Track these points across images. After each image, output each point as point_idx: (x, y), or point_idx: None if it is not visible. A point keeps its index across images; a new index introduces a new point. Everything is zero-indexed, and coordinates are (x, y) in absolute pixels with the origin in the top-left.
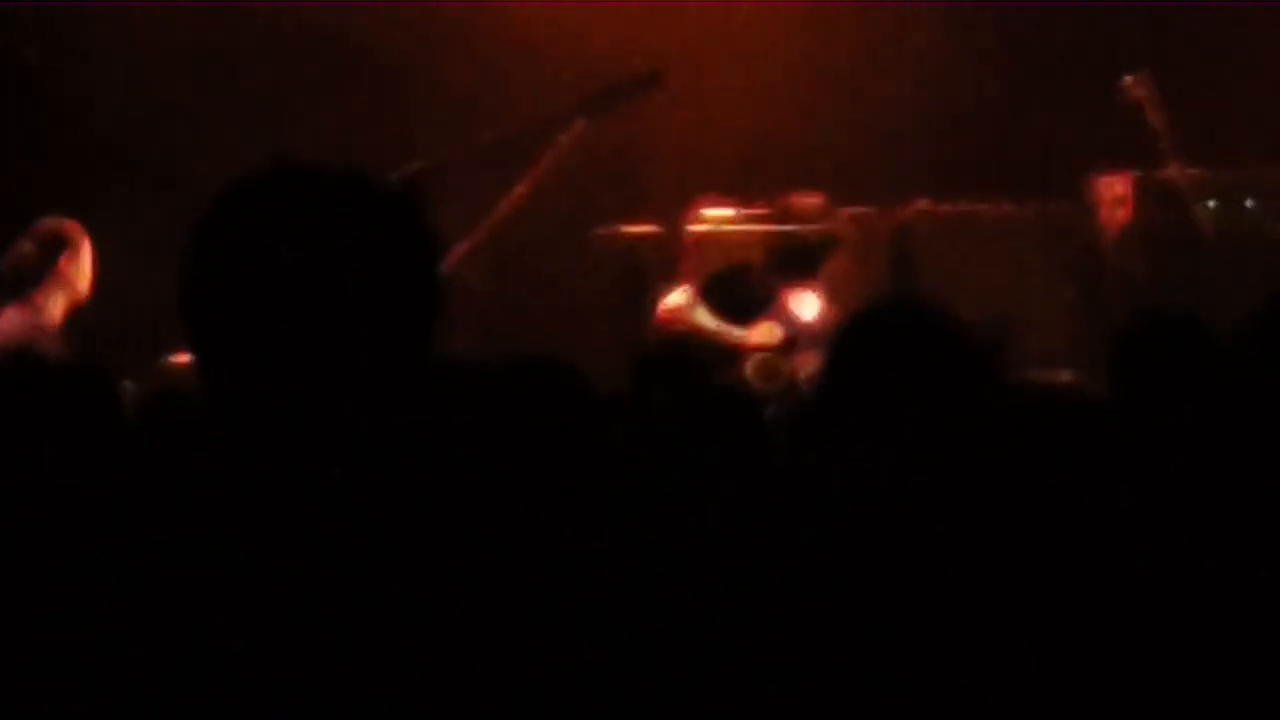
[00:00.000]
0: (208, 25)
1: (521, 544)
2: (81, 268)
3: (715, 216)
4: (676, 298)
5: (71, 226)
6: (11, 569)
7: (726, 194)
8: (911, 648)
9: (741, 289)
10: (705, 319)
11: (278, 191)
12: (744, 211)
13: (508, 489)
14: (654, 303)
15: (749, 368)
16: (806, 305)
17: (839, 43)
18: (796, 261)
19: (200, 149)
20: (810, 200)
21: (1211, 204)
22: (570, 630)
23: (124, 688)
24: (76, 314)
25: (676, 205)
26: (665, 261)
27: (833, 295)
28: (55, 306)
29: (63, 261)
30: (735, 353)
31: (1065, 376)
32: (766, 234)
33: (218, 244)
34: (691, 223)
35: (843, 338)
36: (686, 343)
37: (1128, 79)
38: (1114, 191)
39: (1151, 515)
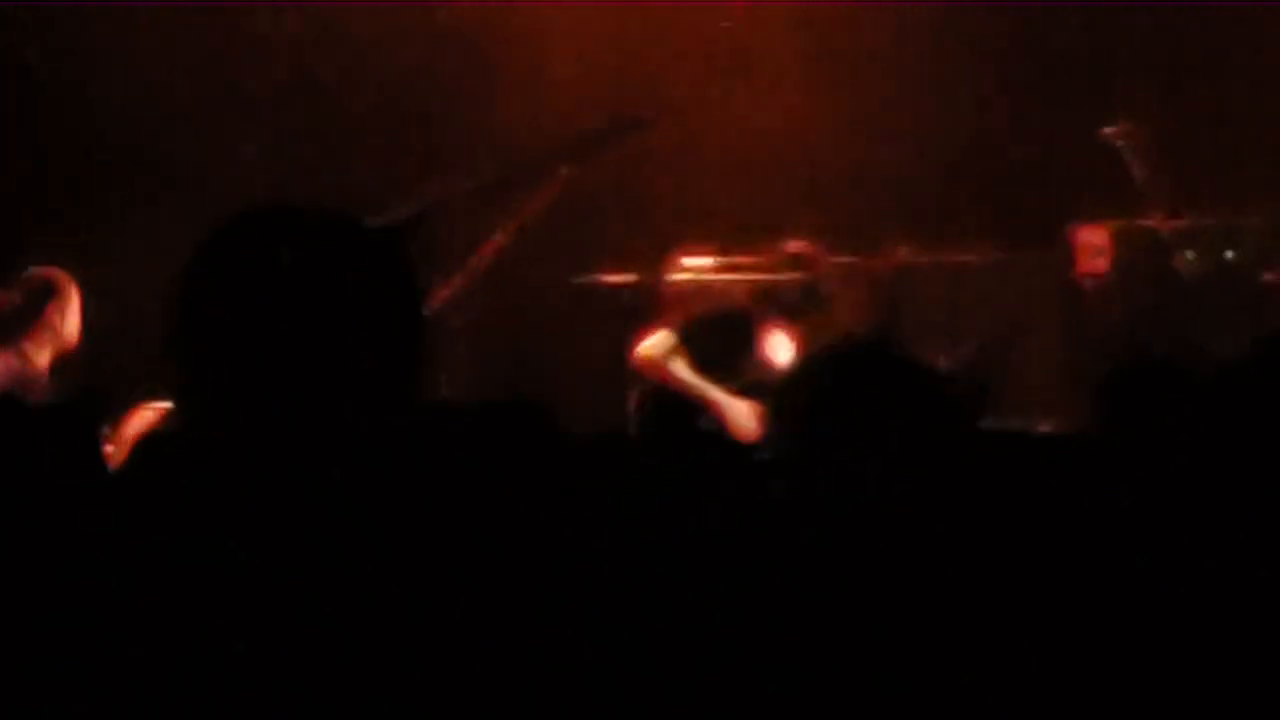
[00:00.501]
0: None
1: (496, 587)
2: (69, 316)
3: (695, 265)
4: (654, 343)
5: (60, 275)
6: None
7: (709, 242)
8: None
9: (722, 336)
10: (682, 369)
11: (260, 236)
12: (724, 260)
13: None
14: (631, 348)
15: (731, 414)
16: (781, 350)
17: (825, 93)
18: (778, 308)
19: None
20: (790, 246)
21: (1190, 254)
22: (547, 668)
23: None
24: (64, 362)
25: (658, 253)
26: (645, 309)
27: (814, 343)
28: (42, 355)
29: (50, 310)
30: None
31: (1045, 427)
32: (751, 281)
33: (201, 288)
34: (672, 271)
35: (784, 387)
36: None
37: (1110, 128)
38: (1093, 241)
39: (1132, 558)
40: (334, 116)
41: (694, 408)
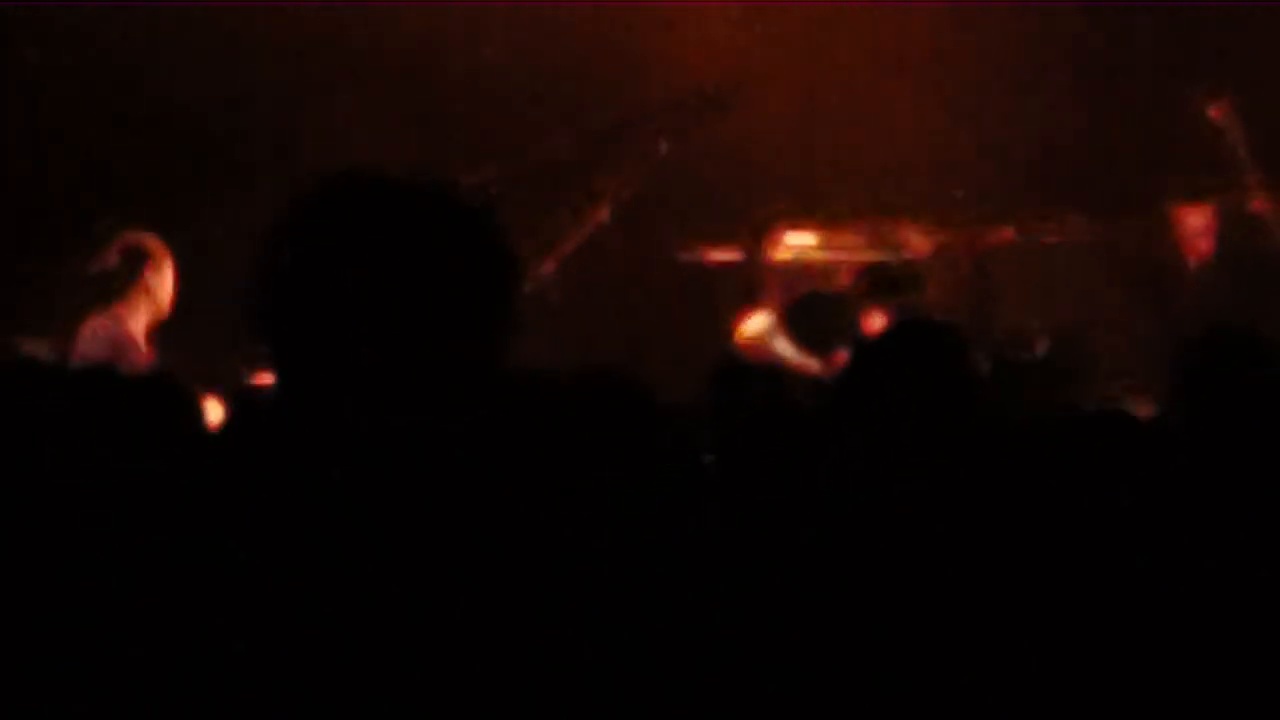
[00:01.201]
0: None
1: (583, 553)
2: (164, 282)
3: (798, 243)
4: (757, 324)
5: (154, 241)
6: (89, 580)
7: (811, 219)
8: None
9: (823, 317)
10: (785, 348)
11: (354, 203)
12: (826, 237)
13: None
14: (733, 327)
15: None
16: (878, 326)
17: (923, 75)
18: (876, 287)
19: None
20: (888, 224)
21: None
22: (634, 637)
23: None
24: (158, 327)
25: (761, 230)
26: (746, 286)
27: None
28: (138, 319)
29: (147, 274)
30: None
31: (1140, 406)
32: (850, 260)
33: (291, 255)
34: (774, 248)
35: (853, 363)
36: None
37: (1211, 105)
38: (1197, 221)
39: (1210, 534)
40: (430, 86)
41: (784, 384)
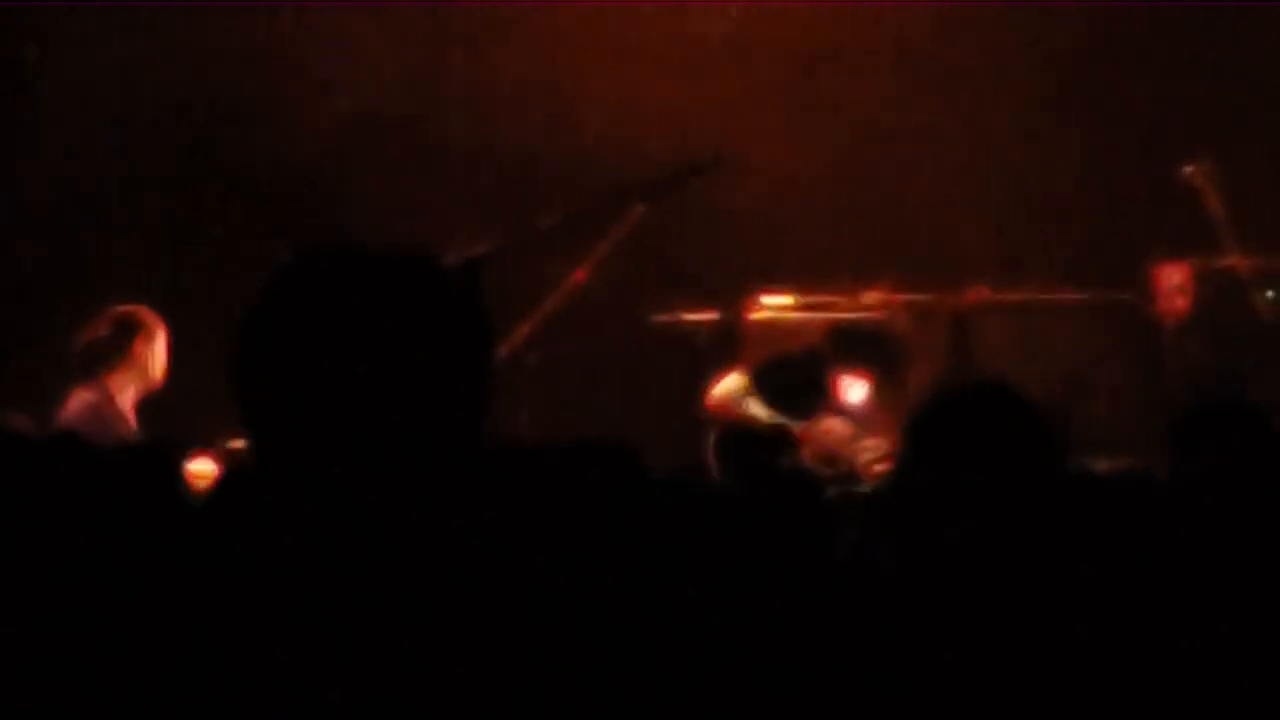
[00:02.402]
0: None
1: (574, 623)
2: (155, 353)
3: (774, 304)
4: (728, 385)
5: (146, 312)
6: (72, 649)
7: (788, 281)
8: None
9: (794, 376)
10: (757, 409)
11: (333, 274)
12: (803, 299)
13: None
14: (707, 390)
15: (809, 452)
16: (854, 390)
17: (899, 132)
18: (851, 348)
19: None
20: (866, 285)
21: (1271, 293)
22: (625, 704)
23: None
24: (148, 399)
25: (736, 292)
26: (724, 348)
27: (886, 383)
28: (126, 392)
29: (137, 345)
30: (790, 441)
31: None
32: (825, 321)
33: (272, 325)
34: (751, 310)
35: (920, 422)
36: (749, 428)
37: (1187, 167)
38: (1174, 280)
39: (1209, 597)
40: (408, 152)
41: (772, 447)
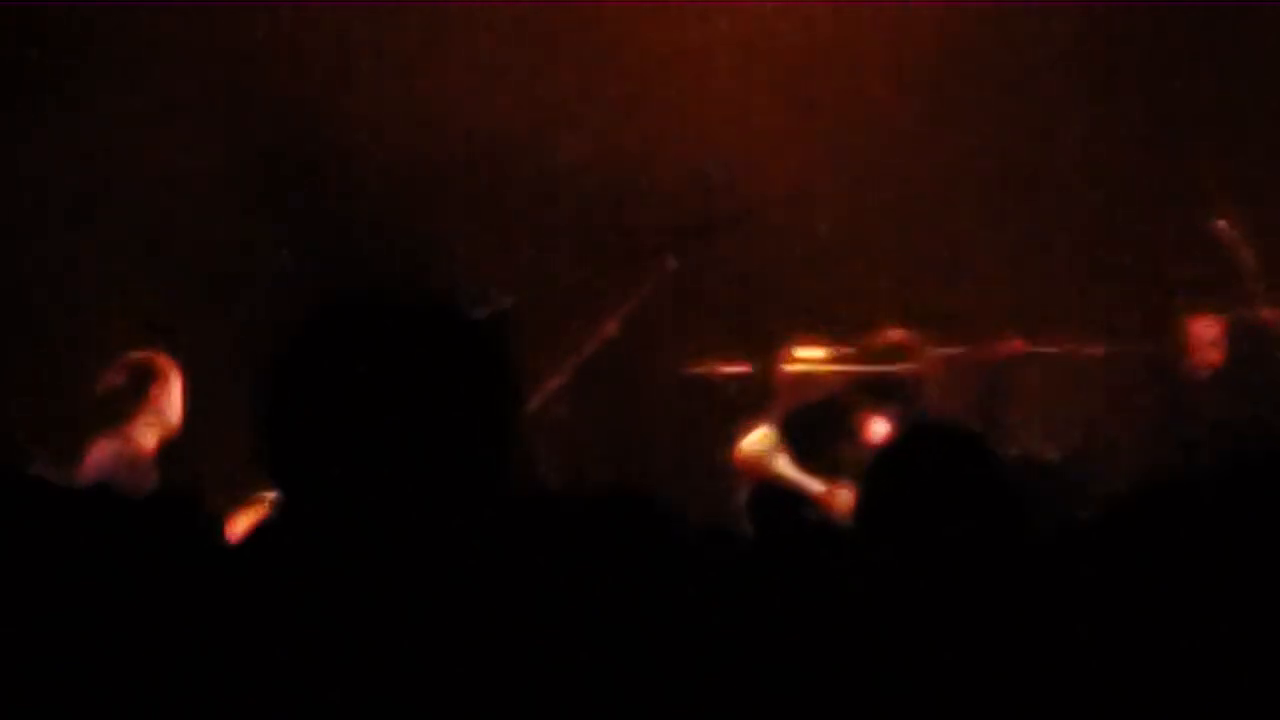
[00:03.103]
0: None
1: (601, 674)
2: (172, 399)
3: (808, 356)
4: (755, 441)
5: (160, 358)
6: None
7: (820, 333)
8: None
9: (823, 428)
10: (784, 467)
11: (357, 324)
12: (837, 351)
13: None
14: (734, 443)
15: (837, 504)
16: (878, 428)
17: (933, 183)
18: (880, 398)
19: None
20: (897, 335)
21: None
22: None
23: None
24: (169, 445)
25: (770, 344)
26: (756, 400)
27: None
28: (148, 438)
29: (153, 392)
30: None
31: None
32: (854, 372)
33: (298, 374)
34: (784, 362)
35: (874, 468)
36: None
37: (1219, 221)
38: (1207, 333)
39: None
40: (436, 201)
41: (801, 501)
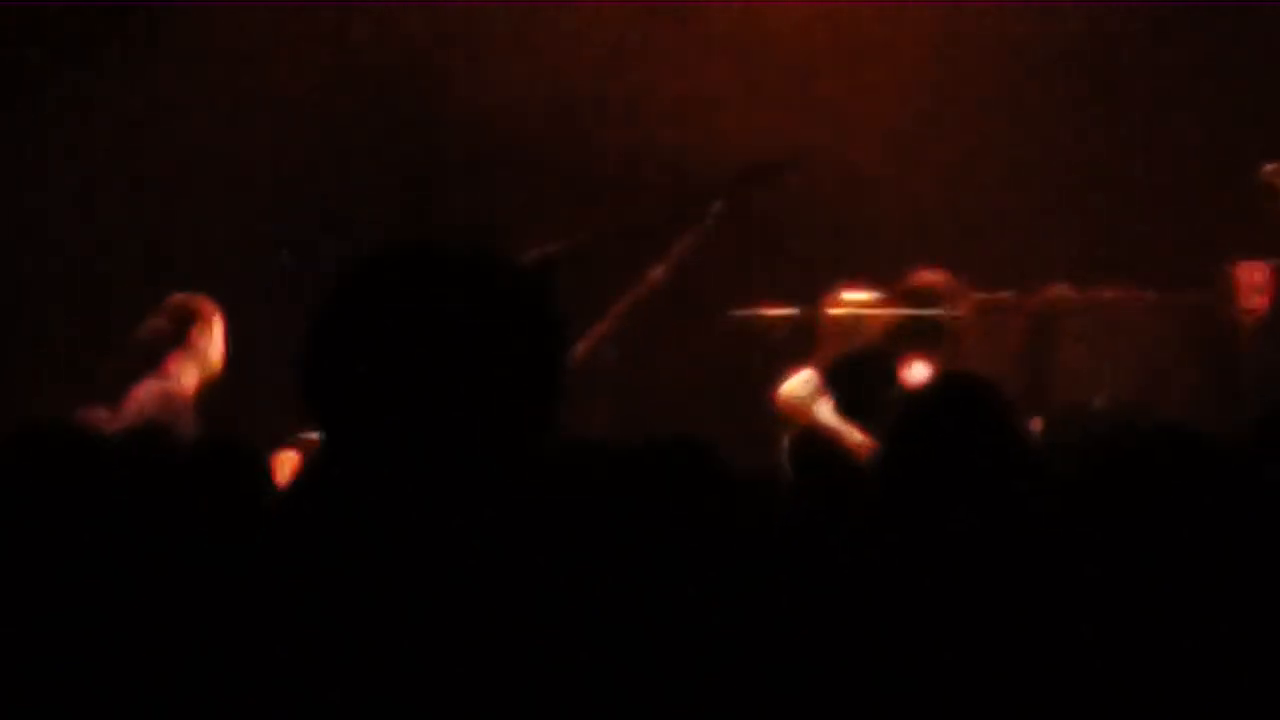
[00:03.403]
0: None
1: (654, 625)
2: (213, 341)
3: (853, 300)
4: (796, 385)
5: (202, 301)
6: (157, 649)
7: (866, 276)
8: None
9: (864, 373)
10: (826, 413)
11: (405, 272)
12: (882, 295)
13: (640, 568)
14: (776, 387)
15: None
16: (917, 371)
17: (986, 131)
18: (917, 339)
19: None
20: (932, 278)
21: None
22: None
23: None
24: (209, 388)
25: (816, 288)
26: (802, 344)
27: None
28: (188, 376)
29: (194, 333)
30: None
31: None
32: (897, 317)
33: (345, 321)
34: (830, 306)
35: (898, 421)
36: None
37: (1267, 167)
38: (1253, 279)
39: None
40: (483, 151)
41: (840, 449)
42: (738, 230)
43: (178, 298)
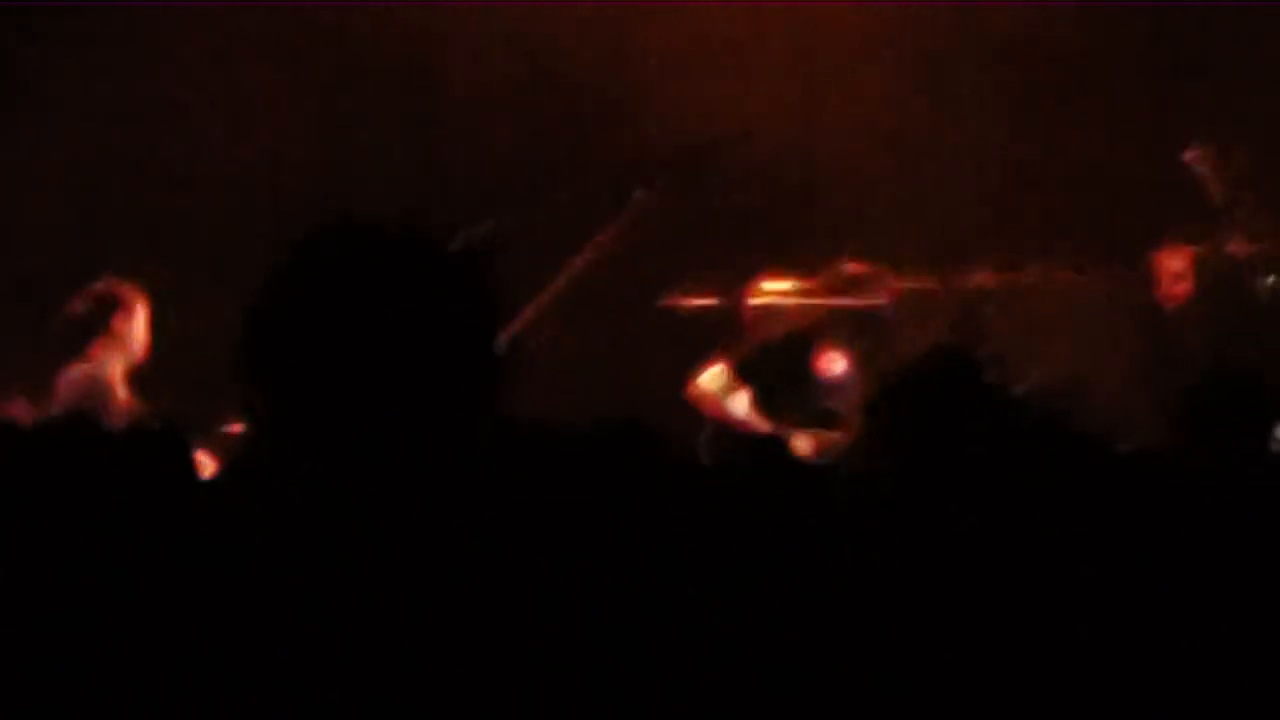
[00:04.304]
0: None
1: (594, 608)
2: (135, 328)
3: (774, 289)
4: (709, 378)
5: (124, 288)
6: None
7: (789, 264)
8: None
9: (777, 363)
10: (737, 405)
11: (340, 251)
12: (803, 284)
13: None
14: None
15: (801, 446)
16: (836, 363)
17: (906, 113)
18: (838, 332)
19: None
20: (856, 268)
21: (1270, 278)
22: (649, 688)
23: None
24: (136, 376)
25: (740, 276)
26: (726, 333)
27: (873, 366)
28: (113, 366)
29: (116, 321)
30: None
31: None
32: (820, 305)
33: (277, 305)
34: (752, 295)
35: (883, 393)
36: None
37: (1191, 151)
38: (1175, 265)
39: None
40: (419, 133)
41: (759, 440)
42: (670, 217)
43: (101, 285)
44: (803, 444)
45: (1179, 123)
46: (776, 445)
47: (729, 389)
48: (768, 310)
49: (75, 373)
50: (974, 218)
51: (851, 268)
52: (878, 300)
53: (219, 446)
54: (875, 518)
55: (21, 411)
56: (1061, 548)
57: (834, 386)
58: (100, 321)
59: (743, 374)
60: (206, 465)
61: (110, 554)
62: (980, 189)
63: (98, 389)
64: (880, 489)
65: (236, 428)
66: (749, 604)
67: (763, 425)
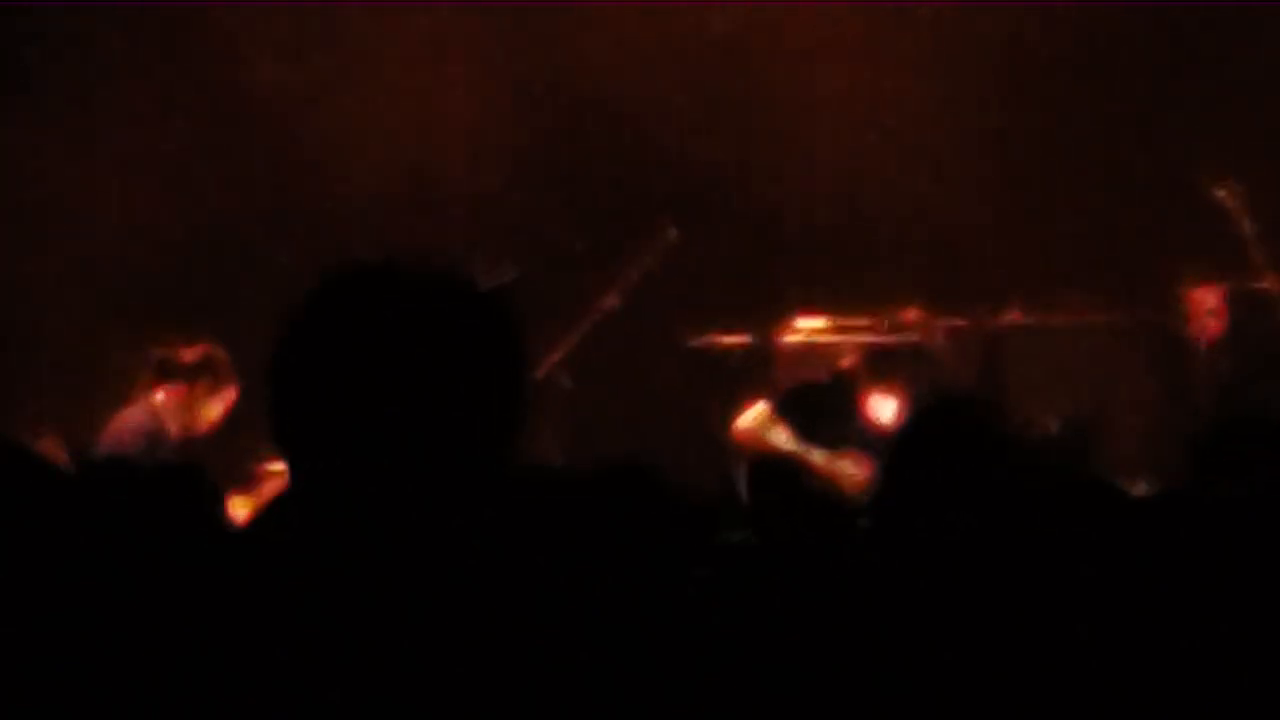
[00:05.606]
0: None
1: (607, 649)
2: (214, 404)
3: (807, 328)
4: (751, 416)
5: (224, 361)
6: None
7: (823, 304)
8: None
9: (820, 402)
10: (780, 439)
11: (366, 293)
12: (837, 322)
13: (591, 593)
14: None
15: (839, 474)
16: (885, 408)
17: (937, 157)
18: (883, 371)
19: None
20: (903, 312)
21: None
22: None
23: None
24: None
25: (772, 316)
26: (758, 371)
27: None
28: (175, 420)
29: (202, 385)
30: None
31: (1149, 488)
32: (858, 344)
33: (305, 344)
34: (785, 333)
35: (899, 443)
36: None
37: (1220, 188)
38: (1207, 302)
39: (1228, 615)
40: (434, 177)
41: (800, 473)
42: (691, 254)
43: (207, 347)
44: (849, 464)
45: (1207, 160)
46: (819, 478)
47: (770, 425)
48: (801, 348)
49: (138, 416)
50: (1003, 257)
51: (897, 311)
52: (914, 339)
53: (252, 489)
54: (896, 563)
55: (52, 449)
56: (1081, 593)
57: (882, 427)
58: (187, 375)
59: (783, 411)
60: (240, 509)
61: (128, 598)
62: (1011, 228)
63: (155, 439)
64: (898, 542)
65: (272, 465)
66: (759, 643)
67: (809, 451)
